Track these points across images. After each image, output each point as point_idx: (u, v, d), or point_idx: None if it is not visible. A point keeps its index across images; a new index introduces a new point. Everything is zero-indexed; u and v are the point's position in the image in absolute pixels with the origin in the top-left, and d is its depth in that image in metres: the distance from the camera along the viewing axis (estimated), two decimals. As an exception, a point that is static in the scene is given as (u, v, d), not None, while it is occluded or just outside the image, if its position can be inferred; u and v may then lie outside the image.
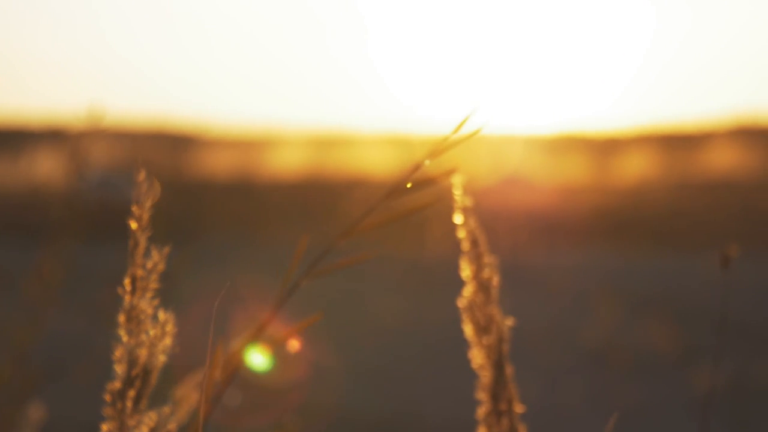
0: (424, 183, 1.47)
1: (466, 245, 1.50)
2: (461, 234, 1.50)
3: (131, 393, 0.81)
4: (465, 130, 1.48)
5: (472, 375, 1.57)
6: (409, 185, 1.48)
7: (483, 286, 1.51)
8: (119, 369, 0.80)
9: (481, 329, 1.50)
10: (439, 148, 1.46)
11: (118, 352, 0.79)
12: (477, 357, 1.49)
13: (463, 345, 1.58)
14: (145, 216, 0.87)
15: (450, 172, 1.47)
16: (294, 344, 2.11)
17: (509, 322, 1.50)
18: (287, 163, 63.19)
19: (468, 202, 1.49)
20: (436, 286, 14.85)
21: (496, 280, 1.51)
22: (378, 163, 63.68)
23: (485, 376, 1.48)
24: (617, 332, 11.57)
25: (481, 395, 1.47)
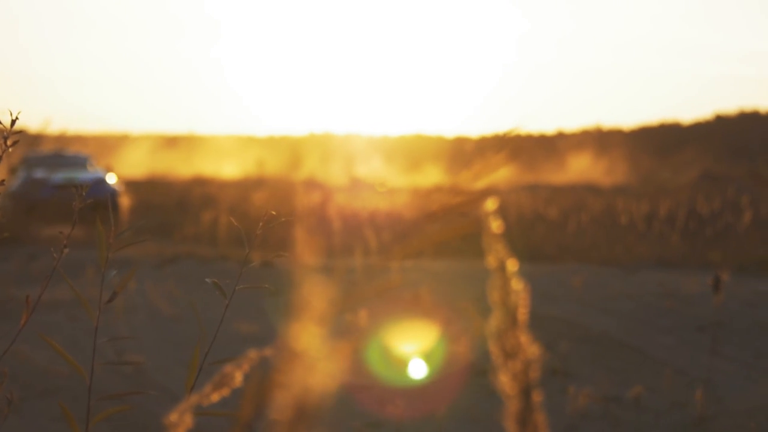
0: (464, 207, 1.45)
1: (493, 270, 1.49)
2: (490, 260, 1.49)
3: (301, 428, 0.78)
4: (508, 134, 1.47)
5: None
6: (449, 209, 1.47)
7: (510, 312, 1.50)
8: (284, 411, 0.77)
9: (508, 355, 1.49)
10: (487, 165, 1.45)
11: (281, 392, 0.76)
12: (504, 383, 1.48)
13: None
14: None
15: (485, 196, 1.46)
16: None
17: (535, 348, 1.49)
18: (133, 161, 62.52)
19: (498, 227, 1.48)
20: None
21: (524, 306, 1.50)
22: (222, 164, 63.38)
23: (512, 404, 1.46)
24: (485, 347, 11.60)
25: (508, 423, 1.45)
